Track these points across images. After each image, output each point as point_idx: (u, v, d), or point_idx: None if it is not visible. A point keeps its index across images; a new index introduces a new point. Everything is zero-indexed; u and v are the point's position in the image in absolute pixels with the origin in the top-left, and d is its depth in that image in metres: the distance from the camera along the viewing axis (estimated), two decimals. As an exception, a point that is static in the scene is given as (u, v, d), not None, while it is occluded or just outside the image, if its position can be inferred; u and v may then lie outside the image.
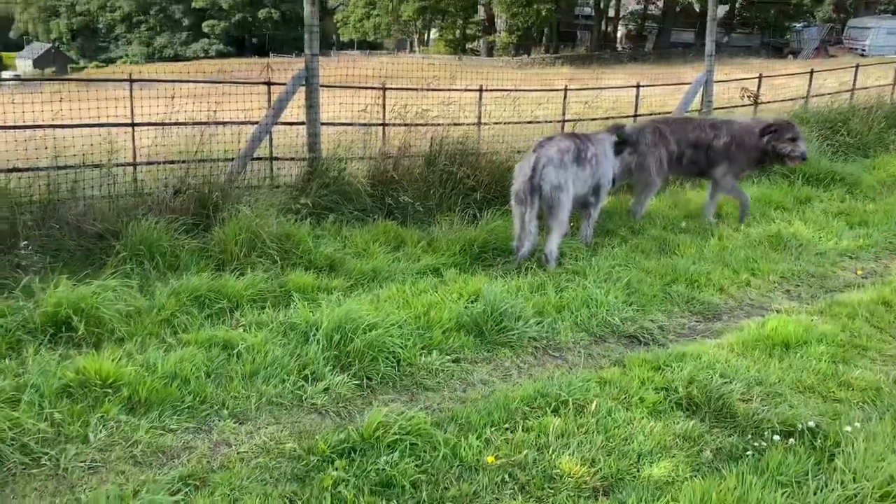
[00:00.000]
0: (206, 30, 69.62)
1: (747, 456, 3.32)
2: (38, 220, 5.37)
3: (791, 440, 3.41)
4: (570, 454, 3.28)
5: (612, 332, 4.88)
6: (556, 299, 5.14)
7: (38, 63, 69.01)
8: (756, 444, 3.42)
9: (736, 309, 5.46)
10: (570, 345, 4.65)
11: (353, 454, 3.15)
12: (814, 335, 4.69)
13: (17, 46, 76.06)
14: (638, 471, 3.23)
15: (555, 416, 3.62)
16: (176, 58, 65.81)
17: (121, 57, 70.84)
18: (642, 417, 3.65)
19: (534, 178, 5.87)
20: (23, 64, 69.85)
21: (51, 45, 73.53)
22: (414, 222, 6.69)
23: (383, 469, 3.03)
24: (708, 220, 7.47)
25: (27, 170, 5.52)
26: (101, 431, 3.27)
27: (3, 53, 71.66)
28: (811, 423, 3.51)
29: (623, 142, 7.01)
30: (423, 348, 4.30)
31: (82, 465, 3.07)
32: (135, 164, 6.26)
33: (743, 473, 3.13)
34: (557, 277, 5.59)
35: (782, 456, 3.25)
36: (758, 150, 7.38)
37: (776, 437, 3.43)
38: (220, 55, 64.47)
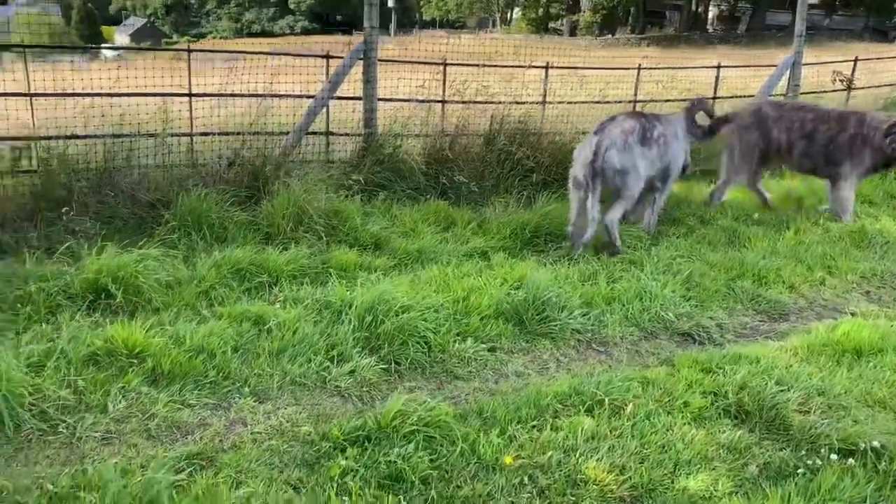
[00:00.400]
0: (291, 6, 70.87)
1: (798, 474, 3.00)
2: (94, 187, 5.46)
3: (850, 460, 3.06)
4: (598, 459, 3.04)
5: (665, 328, 4.56)
6: (607, 290, 4.86)
7: (135, 37, 71.85)
8: (810, 461, 3.09)
9: (806, 309, 5.04)
10: (617, 339, 4.37)
11: (366, 443, 3.01)
12: (891, 343, 4.25)
13: (116, 21, 79.43)
14: (672, 482, 2.96)
15: (588, 416, 3.38)
16: (263, 33, 67.21)
17: (210, 32, 72.96)
18: (684, 423, 3.37)
19: (595, 161, 5.58)
20: (120, 38, 72.90)
21: (146, 20, 76.46)
22: (467, 203, 6.49)
23: (394, 462, 2.87)
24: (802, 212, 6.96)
25: (85, 137, 5.61)
26: (120, 402, 3.25)
27: (103, 27, 74.95)
28: (876, 443, 3.15)
29: (715, 120, 6.60)
30: (457, 334, 4.11)
31: (97, 435, 3.05)
32: (191, 135, 6.29)
33: (790, 494, 2.83)
34: (611, 267, 5.30)
35: (838, 477, 2.92)
36: (881, 152, 6.54)
37: (833, 456, 3.10)
38: (305, 31, 65.44)
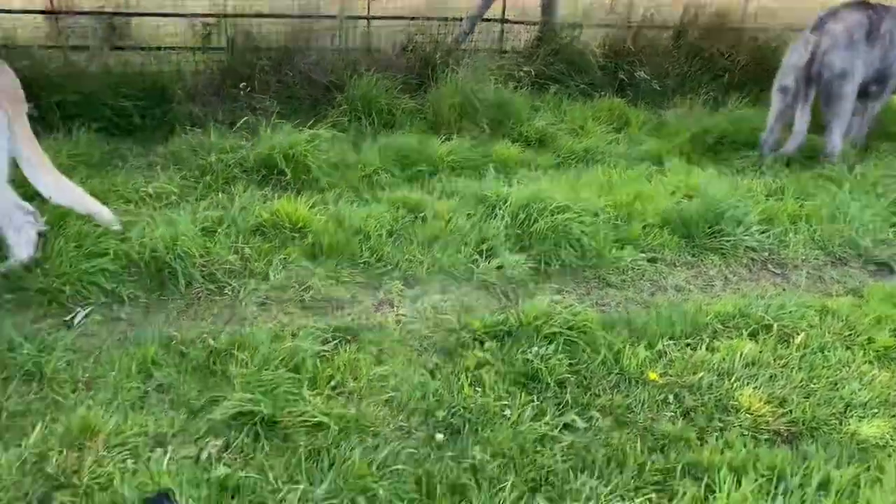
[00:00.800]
0: None
1: None
2: (275, 66, 5.64)
3: None
4: (756, 387, 2.78)
5: (858, 254, 4.03)
6: (795, 207, 4.35)
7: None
8: None
9: None
10: (798, 262, 3.93)
11: (505, 338, 2.96)
12: None
13: None
14: (840, 423, 2.65)
15: (751, 340, 3.09)
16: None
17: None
18: (865, 362, 2.98)
19: (812, 64, 4.90)
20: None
21: None
22: (645, 102, 6.04)
23: (532, 361, 2.79)
24: None
25: (269, 16, 5.77)
26: (280, 272, 3.41)
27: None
28: None
29: None
30: (616, 241, 3.89)
31: (257, 300, 3.23)
32: (368, 18, 6.28)
33: None
34: (803, 182, 4.72)
35: None
36: None
37: None
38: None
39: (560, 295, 3.37)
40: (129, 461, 2.24)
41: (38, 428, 2.31)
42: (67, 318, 2.96)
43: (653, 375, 2.79)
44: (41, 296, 3.03)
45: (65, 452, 2.22)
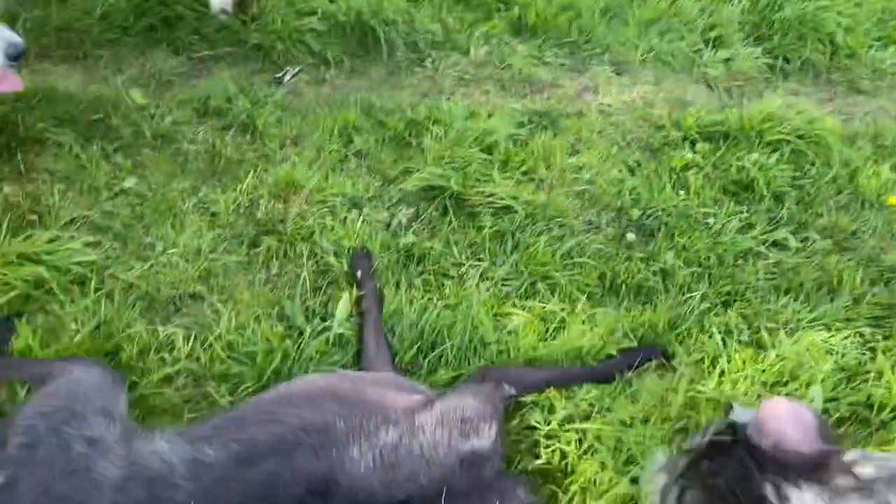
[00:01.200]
0: None
1: None
2: None
3: None
4: None
5: None
6: None
7: None
8: None
9: None
10: None
11: (721, 142, 2.65)
12: None
13: None
14: None
15: None
16: None
17: None
18: None
19: None
20: None
21: None
22: None
23: (747, 168, 2.50)
24: None
25: None
26: (481, 47, 3.23)
27: None
28: None
29: None
30: (876, 40, 3.25)
31: (456, 74, 3.11)
32: None
33: None
34: None
35: None
36: None
37: None
38: None
39: (795, 97, 2.92)
40: (328, 218, 2.35)
41: (250, 176, 2.47)
42: (278, 75, 3.05)
43: (893, 200, 2.40)
44: (255, 51, 3.11)
45: (272, 202, 2.38)
